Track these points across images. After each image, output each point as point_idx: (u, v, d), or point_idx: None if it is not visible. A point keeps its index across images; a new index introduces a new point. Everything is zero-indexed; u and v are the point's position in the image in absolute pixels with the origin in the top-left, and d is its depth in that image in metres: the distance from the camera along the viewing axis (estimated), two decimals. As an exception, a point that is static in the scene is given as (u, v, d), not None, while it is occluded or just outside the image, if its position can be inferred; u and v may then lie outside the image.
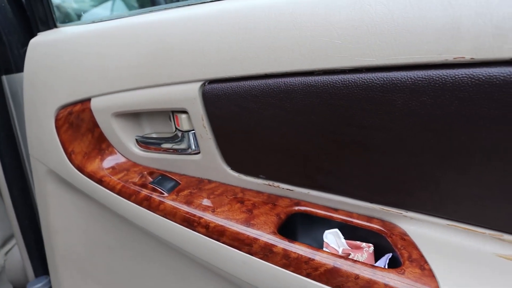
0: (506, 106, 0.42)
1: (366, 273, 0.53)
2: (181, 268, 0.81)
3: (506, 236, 0.52)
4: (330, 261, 0.55)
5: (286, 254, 0.58)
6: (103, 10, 2.14)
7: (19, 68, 1.07)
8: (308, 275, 0.56)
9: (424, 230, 0.57)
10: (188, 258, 0.77)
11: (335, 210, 0.63)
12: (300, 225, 0.66)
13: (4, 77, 1.08)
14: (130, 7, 2.23)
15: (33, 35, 0.88)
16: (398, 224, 0.59)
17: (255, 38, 0.55)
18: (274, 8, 0.54)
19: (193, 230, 0.66)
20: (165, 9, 0.68)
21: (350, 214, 0.62)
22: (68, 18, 1.38)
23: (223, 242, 0.63)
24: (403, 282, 0.51)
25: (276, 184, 0.66)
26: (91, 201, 0.89)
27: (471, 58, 0.42)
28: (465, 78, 0.43)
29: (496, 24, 0.40)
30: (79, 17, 1.55)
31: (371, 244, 0.60)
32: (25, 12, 1.08)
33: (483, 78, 0.42)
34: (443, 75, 0.44)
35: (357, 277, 0.53)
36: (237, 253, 0.62)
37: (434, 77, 0.45)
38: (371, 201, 0.59)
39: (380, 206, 0.59)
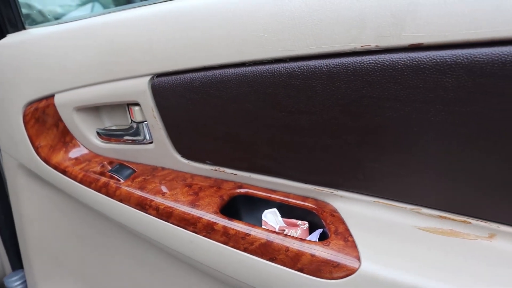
0: (409, 88, 0.47)
1: (295, 245, 0.58)
2: (143, 253, 0.86)
3: (424, 210, 0.58)
4: (264, 236, 0.60)
5: (225, 231, 0.63)
6: (82, 13, 2.18)
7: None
8: (245, 250, 0.62)
9: (351, 207, 0.63)
10: (148, 243, 0.82)
11: (274, 191, 0.68)
12: (244, 206, 0.71)
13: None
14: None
15: (3, 36, 0.93)
16: (330, 202, 0.64)
17: (194, 35, 0.61)
18: (209, 7, 0.59)
19: (145, 212, 0.71)
20: (121, 10, 0.74)
21: (287, 194, 0.67)
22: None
23: (171, 223, 0.68)
24: (327, 252, 0.57)
25: (221, 169, 0.71)
26: (60, 192, 0.94)
27: (376, 46, 0.47)
28: (372, 64, 0.48)
29: (394, 14, 0.45)
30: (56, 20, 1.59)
31: (306, 222, 0.66)
32: None
33: (387, 63, 0.47)
34: (354, 61, 0.50)
35: (287, 249, 0.59)
36: (184, 232, 0.67)
37: (346, 64, 0.50)
38: (306, 182, 0.65)
39: (314, 186, 0.64)
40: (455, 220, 0.57)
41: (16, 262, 1.30)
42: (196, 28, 0.61)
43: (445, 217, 0.57)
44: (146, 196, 0.71)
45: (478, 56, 0.42)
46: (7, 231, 1.27)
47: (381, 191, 0.59)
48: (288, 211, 0.67)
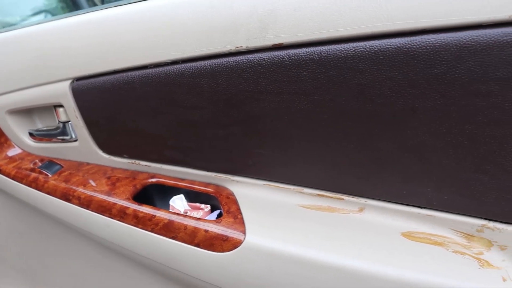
0: (275, 82, 0.57)
1: (192, 224, 0.68)
2: (73, 242, 0.93)
3: (305, 190, 0.68)
4: (167, 217, 0.69)
5: (135, 214, 0.72)
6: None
7: None
8: (152, 230, 0.70)
9: (244, 190, 0.72)
10: (77, 232, 0.90)
11: (182, 179, 0.77)
12: (158, 194, 0.80)
13: None
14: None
15: None
16: (228, 187, 0.74)
17: (105, 42, 0.70)
18: (118, 18, 0.68)
19: (69, 202, 0.79)
20: (48, 21, 0.82)
21: (193, 182, 0.77)
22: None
23: (91, 210, 0.76)
24: (218, 228, 0.66)
25: (137, 161, 0.80)
26: (10, 198, 1.01)
27: (247, 47, 0.57)
28: (245, 62, 0.58)
29: (260, 19, 0.55)
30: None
31: (208, 205, 0.75)
32: None
33: (257, 61, 0.57)
34: (231, 61, 0.59)
35: (185, 227, 0.68)
36: (102, 218, 0.75)
37: (225, 63, 0.60)
38: (207, 170, 0.74)
39: (214, 174, 0.74)
40: (331, 197, 0.67)
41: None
42: (107, 36, 0.69)
43: (322, 195, 0.67)
44: (70, 187, 0.79)
45: (326, 52, 0.52)
46: None
47: (269, 175, 0.69)
48: (194, 196, 0.77)
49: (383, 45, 0.49)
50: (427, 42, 0.47)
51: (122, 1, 0.70)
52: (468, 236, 0.58)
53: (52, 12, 2.24)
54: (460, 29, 0.45)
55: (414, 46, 0.48)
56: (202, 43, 0.61)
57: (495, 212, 0.54)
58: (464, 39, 0.45)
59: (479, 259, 0.55)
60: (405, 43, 0.48)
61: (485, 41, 0.44)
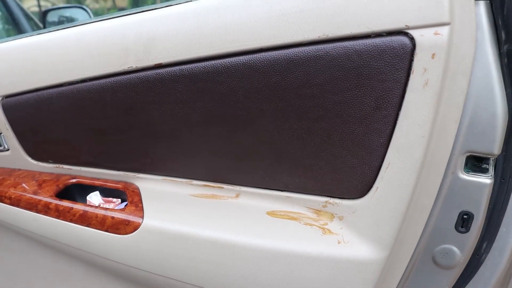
0: (159, 94, 0.73)
1: (102, 213, 0.82)
2: (8, 241, 1.06)
3: (194, 182, 0.84)
4: (81, 208, 0.84)
5: (57, 208, 0.86)
6: None
7: None
8: (71, 220, 0.85)
9: (147, 185, 0.88)
10: (11, 231, 1.02)
11: (98, 179, 0.92)
12: (79, 193, 0.94)
13: None
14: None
15: None
16: (134, 183, 0.89)
17: (27, 66, 0.84)
18: (34, 46, 0.83)
19: (1, 202, 0.92)
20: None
21: (106, 180, 0.91)
22: None
23: (21, 207, 0.90)
24: (122, 215, 0.81)
25: (60, 166, 0.94)
26: None
27: (136, 67, 0.73)
28: (136, 79, 0.74)
29: (144, 45, 0.71)
30: None
31: (119, 199, 0.90)
32: None
33: (144, 78, 0.73)
34: (125, 78, 0.75)
35: (96, 216, 0.82)
36: (29, 213, 0.89)
37: (121, 80, 0.76)
38: (117, 170, 0.89)
39: (123, 172, 0.89)
40: (213, 187, 0.83)
41: None
42: (29, 60, 0.84)
43: (207, 185, 0.84)
44: (2, 189, 0.93)
45: (194, 69, 0.69)
46: None
47: (164, 171, 0.85)
48: (109, 192, 0.92)
49: (233, 61, 0.67)
50: (264, 58, 0.65)
51: (43, 30, 0.86)
52: (317, 211, 0.75)
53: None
54: (286, 47, 0.63)
55: (255, 61, 0.65)
56: (102, 64, 0.76)
57: (333, 190, 0.72)
58: (290, 55, 0.63)
59: (323, 229, 0.73)
60: (249, 59, 0.66)
61: (304, 56, 0.62)
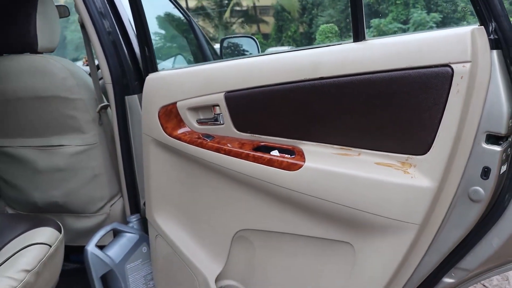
0: (325, 94, 1.34)
1: (279, 159, 1.43)
2: (220, 184, 1.70)
3: (335, 146, 1.42)
4: (267, 157, 1.46)
5: (254, 156, 1.48)
6: (168, 63, 3.21)
7: (135, 92, 2.05)
8: (261, 163, 1.46)
9: (307, 147, 1.47)
10: (225, 176, 1.66)
11: (277, 143, 1.54)
12: (265, 150, 1.56)
13: (126, 97, 2.06)
14: (188, 61, 3.30)
15: (141, 73, 1.87)
16: (299, 146, 1.49)
17: (240, 75, 1.50)
18: (256, 63, 1.48)
19: (219, 153, 1.57)
20: (210, 63, 1.63)
21: (282, 144, 1.52)
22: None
23: (231, 155, 1.54)
24: (292, 160, 1.41)
25: (254, 135, 1.56)
26: (174, 154, 1.81)
27: (309, 78, 1.35)
28: (309, 85, 1.35)
29: (312, 66, 1.33)
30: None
31: (289, 155, 1.51)
32: (136, 59, 2.07)
33: (316, 86, 1.34)
34: (302, 84, 1.37)
35: (277, 160, 1.44)
36: (235, 159, 1.52)
37: (300, 85, 1.37)
38: (289, 138, 1.50)
39: (292, 140, 1.49)
40: (345, 148, 1.40)
41: (134, 208, 2.18)
42: (242, 72, 1.49)
43: (342, 148, 1.41)
44: (219, 146, 1.58)
45: (339, 81, 1.28)
46: (131, 191, 2.16)
47: (317, 139, 1.43)
48: (282, 151, 1.52)
49: (354, 79, 1.25)
50: (367, 78, 1.22)
51: (257, 54, 1.51)
52: (402, 163, 1.29)
53: (184, 55, 3.19)
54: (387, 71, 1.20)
55: (367, 80, 1.23)
56: (290, 76, 1.37)
57: (410, 150, 1.25)
58: (393, 76, 1.20)
59: (404, 171, 1.26)
60: (363, 78, 1.23)
61: (391, 76, 1.18)
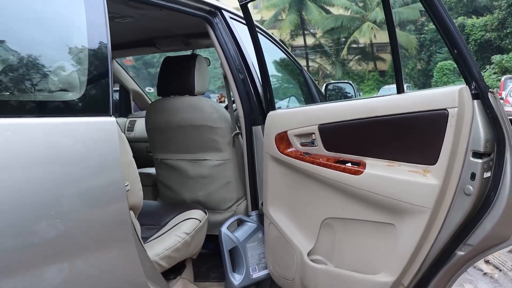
0: (378, 124, 2.11)
1: (349, 167, 2.19)
2: (319, 190, 2.48)
3: (381, 159, 2.15)
4: (343, 166, 2.22)
5: (335, 166, 2.25)
6: (284, 102, 4.12)
7: (259, 123, 2.92)
8: (338, 170, 2.22)
9: (368, 161, 2.20)
10: (321, 183, 2.45)
11: (348, 158, 2.29)
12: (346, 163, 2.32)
13: (253, 127, 2.92)
14: (299, 101, 4.17)
15: (264, 110, 2.76)
16: (364, 160, 2.23)
17: (332, 113, 2.30)
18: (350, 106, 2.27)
19: (313, 164, 2.36)
20: (323, 103, 2.45)
21: (352, 159, 2.28)
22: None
23: (319, 166, 2.32)
24: (357, 168, 2.16)
25: (336, 153, 2.34)
26: (285, 167, 2.61)
27: (370, 116, 2.12)
28: (366, 120, 2.12)
29: (369, 111, 2.10)
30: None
31: (356, 165, 2.25)
32: (260, 101, 2.96)
33: (377, 120, 2.11)
34: (363, 121, 2.14)
35: (349, 169, 2.20)
36: (322, 168, 2.29)
37: (371, 120, 2.14)
38: (357, 154, 2.24)
39: (357, 156, 2.24)
40: (384, 160, 2.13)
41: (254, 206, 3.04)
42: (335, 110, 2.29)
43: (382, 159, 2.14)
44: (314, 159, 2.36)
45: (381, 119, 2.04)
46: (253, 194, 3.01)
47: (374, 155, 2.17)
48: (352, 163, 2.28)
49: (383, 119, 1.99)
50: (393, 118, 1.96)
51: (339, 100, 2.30)
52: (424, 170, 1.98)
53: (296, 97, 4.07)
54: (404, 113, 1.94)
55: (393, 119, 1.97)
56: (360, 114, 2.15)
57: (426, 162, 1.95)
58: (408, 117, 1.94)
59: (423, 175, 1.96)
60: (389, 118, 1.97)
61: (413, 116, 1.92)
